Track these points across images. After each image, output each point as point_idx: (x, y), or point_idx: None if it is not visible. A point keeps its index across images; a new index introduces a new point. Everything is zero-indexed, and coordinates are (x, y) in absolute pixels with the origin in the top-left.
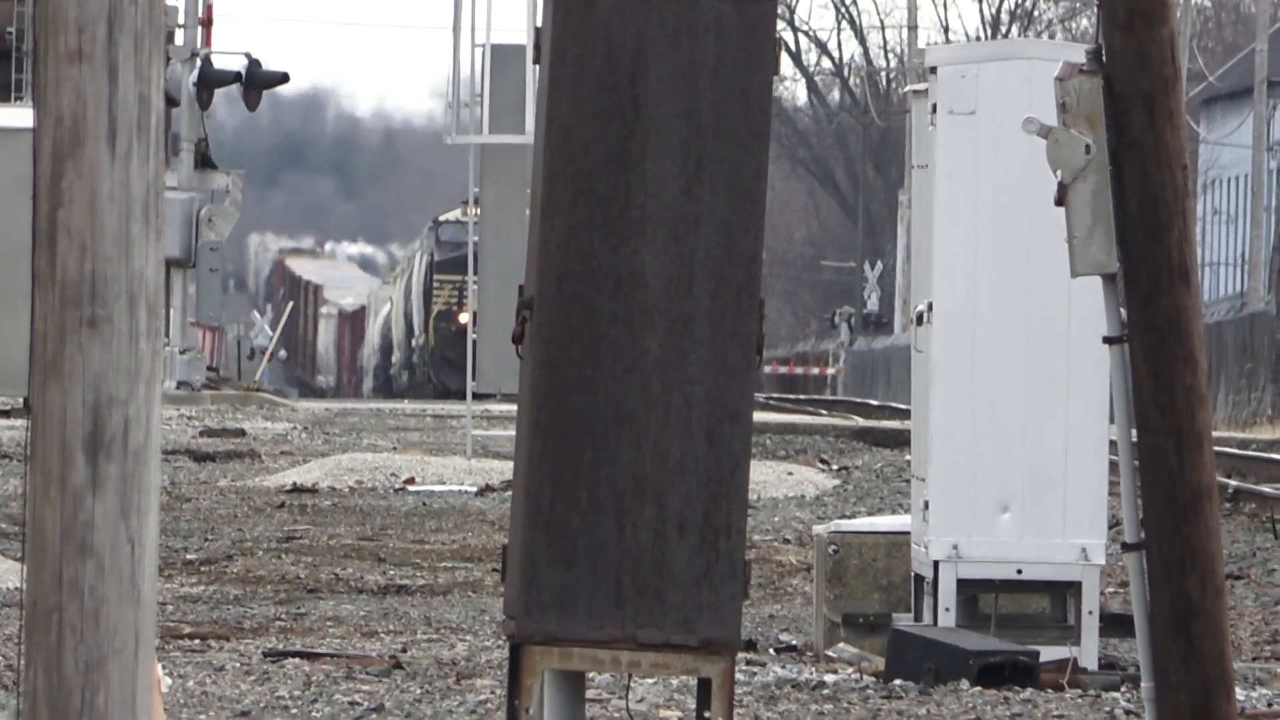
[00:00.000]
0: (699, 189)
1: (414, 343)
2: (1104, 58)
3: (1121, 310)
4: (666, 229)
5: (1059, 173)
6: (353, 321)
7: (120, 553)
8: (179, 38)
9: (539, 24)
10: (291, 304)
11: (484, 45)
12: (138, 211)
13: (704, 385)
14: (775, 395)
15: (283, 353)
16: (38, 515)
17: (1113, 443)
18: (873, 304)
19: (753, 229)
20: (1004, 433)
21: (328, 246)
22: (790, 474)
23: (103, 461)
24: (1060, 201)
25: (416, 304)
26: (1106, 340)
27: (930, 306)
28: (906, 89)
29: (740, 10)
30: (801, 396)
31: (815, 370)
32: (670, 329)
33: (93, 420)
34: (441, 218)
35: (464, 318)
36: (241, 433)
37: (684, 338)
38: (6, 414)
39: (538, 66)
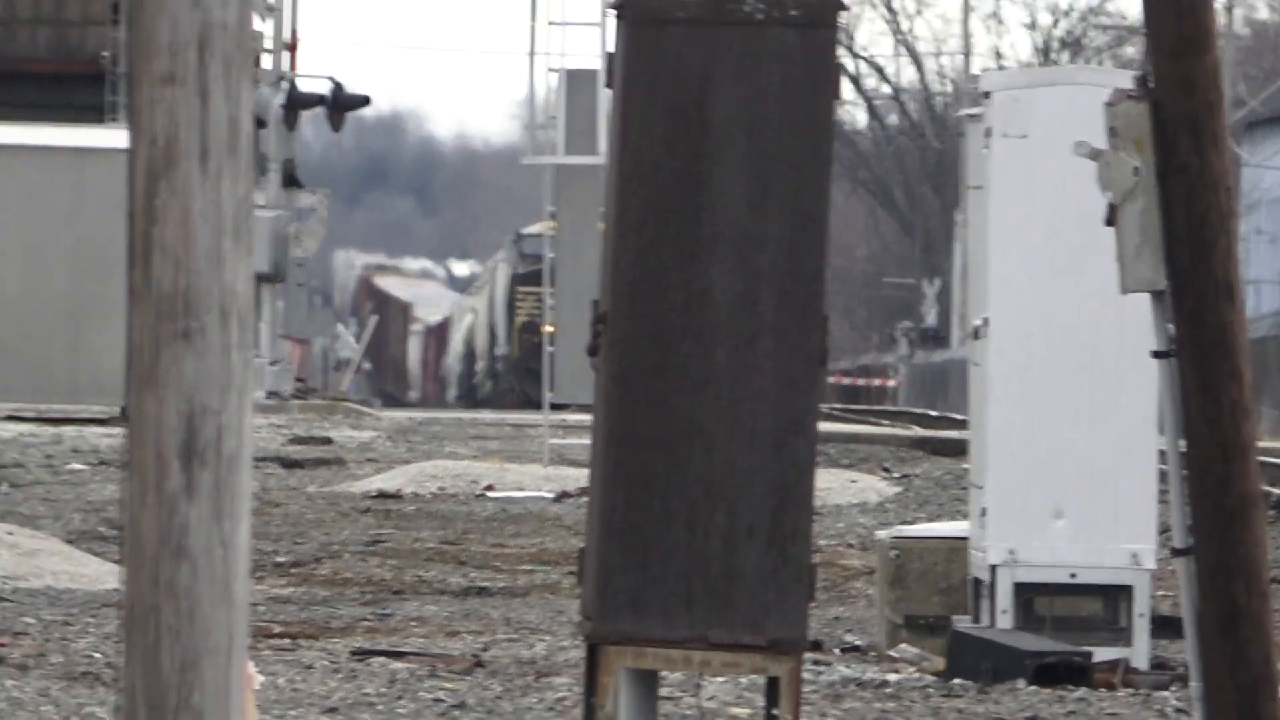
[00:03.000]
0: (765, 209)
1: (497, 351)
2: (1151, 84)
3: (1169, 326)
4: (733, 247)
5: (1108, 194)
6: (437, 333)
7: (214, 556)
8: (266, 62)
9: (611, 50)
10: (377, 318)
11: (559, 70)
12: (229, 228)
13: (770, 397)
14: (838, 406)
15: (367, 364)
16: (135, 519)
17: (1162, 452)
18: (931, 319)
19: (816, 247)
20: (1057, 442)
21: (409, 262)
22: (853, 481)
23: (197, 468)
24: (1110, 221)
25: (500, 315)
26: (1155, 355)
27: (986, 321)
28: (962, 113)
29: (803, 37)
30: (864, 407)
31: (877, 382)
32: (737, 344)
33: (187, 429)
34: (524, 231)
35: (548, 329)
36: (329, 441)
37: (751, 352)
38: (104, 422)
39: (610, 91)
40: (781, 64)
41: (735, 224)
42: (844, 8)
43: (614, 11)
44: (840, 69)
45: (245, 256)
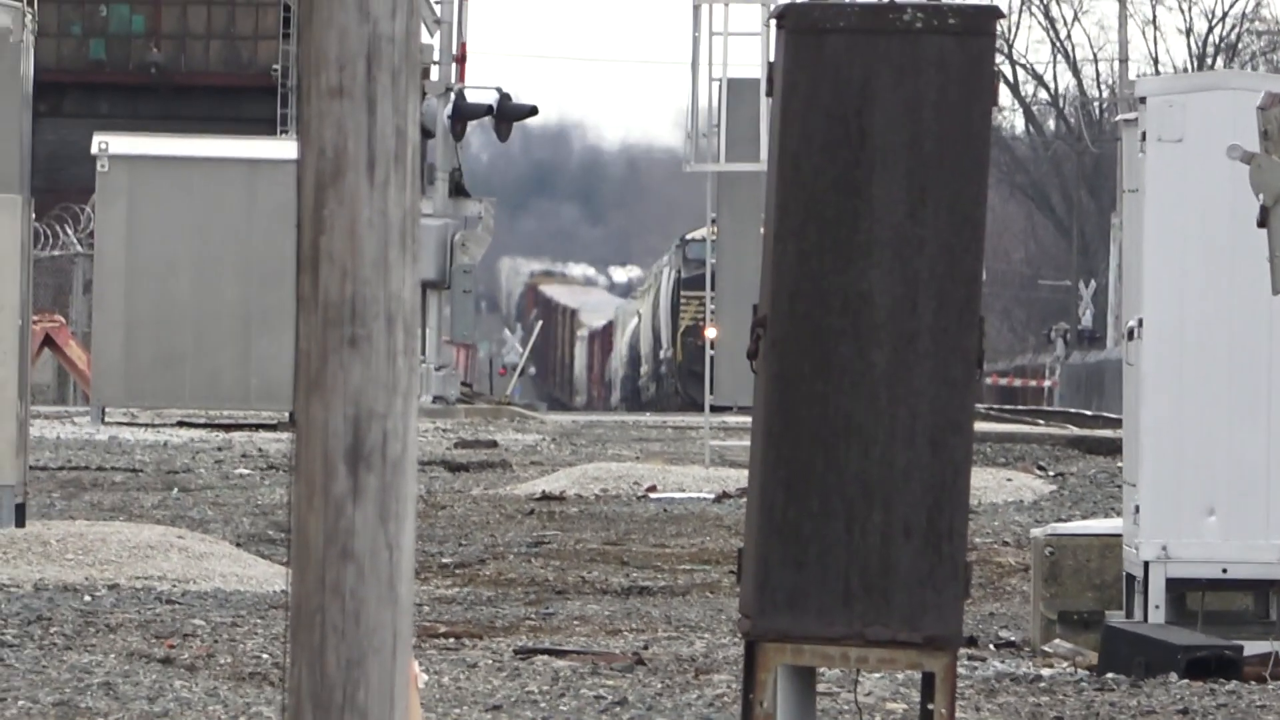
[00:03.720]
0: (922, 213)
1: (661, 355)
2: None
3: None
4: (892, 251)
5: (1261, 196)
6: (601, 338)
7: (379, 557)
8: (434, 73)
9: (772, 59)
10: (541, 323)
11: (720, 79)
12: (395, 237)
13: (927, 398)
14: (995, 406)
15: (532, 369)
16: (302, 522)
17: None
18: (1086, 320)
19: (973, 250)
20: (1209, 440)
21: (572, 269)
22: (1009, 480)
23: (363, 472)
24: (1262, 223)
25: (664, 318)
26: None
27: (1140, 323)
28: (1118, 118)
29: (961, 45)
30: (1020, 407)
31: (1033, 383)
32: (896, 345)
33: (353, 433)
34: (688, 236)
35: (711, 332)
36: (494, 444)
37: (909, 353)
38: (273, 428)
39: (770, 99)
40: (940, 71)
41: (893, 228)
42: (1001, 15)
43: (775, 20)
44: (997, 76)
45: (411, 264)
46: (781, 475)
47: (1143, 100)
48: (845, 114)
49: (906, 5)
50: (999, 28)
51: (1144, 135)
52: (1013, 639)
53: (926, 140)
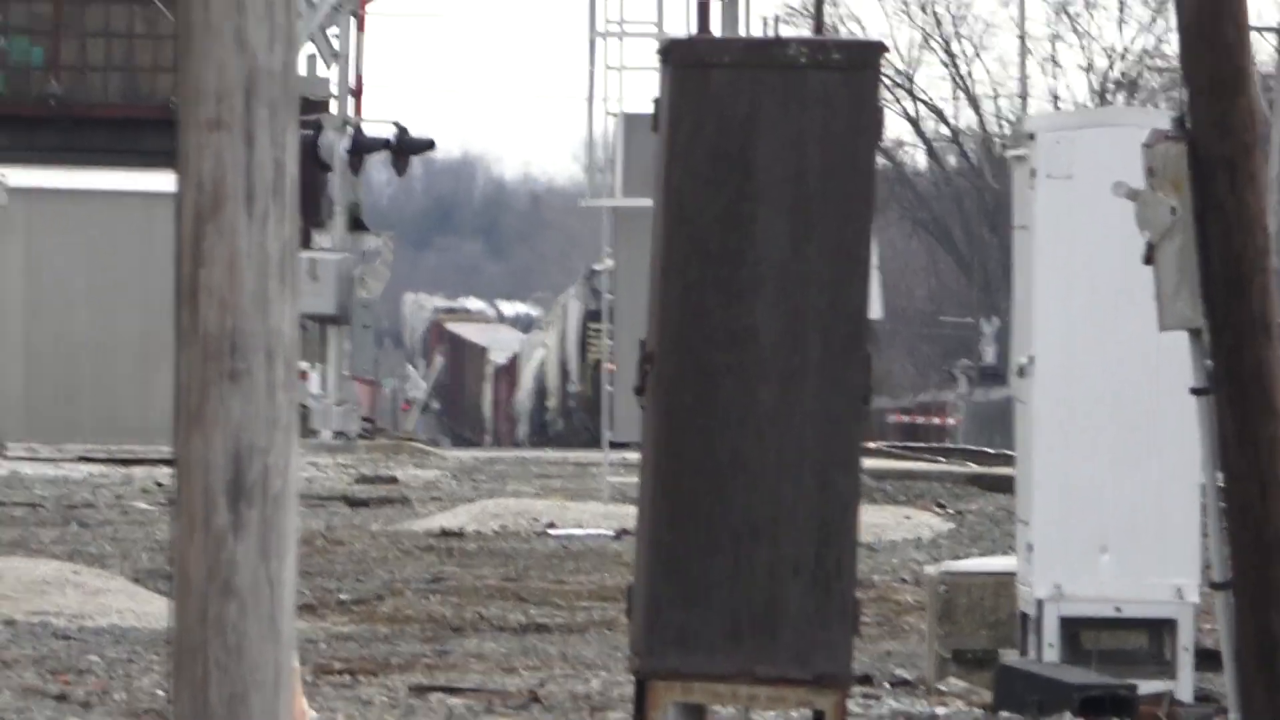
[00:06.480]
0: (807, 248)
1: (569, 389)
2: (1188, 125)
3: (1208, 363)
4: (777, 286)
5: (1146, 233)
6: (507, 372)
7: (261, 593)
8: (333, 106)
9: (657, 94)
10: (441, 360)
11: (618, 113)
12: (274, 270)
13: (814, 434)
14: (897, 444)
15: (435, 404)
16: (183, 557)
17: (1203, 487)
18: (989, 357)
19: (858, 286)
20: (1101, 478)
21: (477, 305)
22: (908, 518)
23: (244, 507)
24: (1149, 260)
25: (572, 351)
26: (1194, 391)
27: (1031, 359)
28: (1008, 154)
29: (846, 80)
30: (921, 445)
31: (935, 420)
32: (781, 381)
33: (234, 468)
34: (596, 267)
35: (610, 366)
36: (394, 480)
37: (795, 389)
38: (173, 463)
39: (656, 134)
40: (824, 107)
41: (778, 264)
42: (885, 50)
43: (660, 55)
44: (881, 111)
45: (291, 298)
46: (668, 511)
47: (1032, 136)
48: (729, 149)
49: (791, 40)
50: (887, 62)
51: (1033, 171)
52: (908, 677)
53: (811, 175)
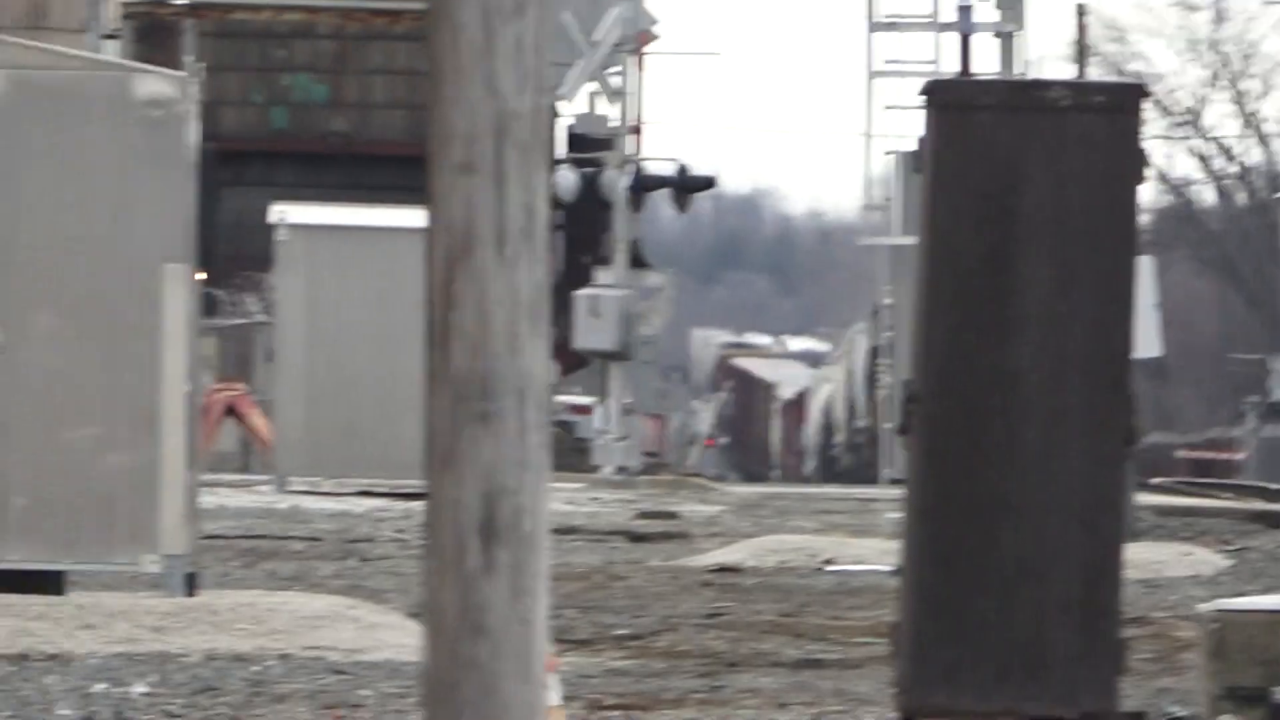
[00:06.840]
0: (1071, 290)
1: (856, 424)
2: None
3: None
4: (1041, 328)
5: None
6: (795, 407)
7: (512, 633)
8: (615, 145)
9: (921, 135)
10: (725, 395)
11: (894, 152)
12: (525, 313)
13: (1079, 475)
14: (1184, 480)
15: (723, 439)
16: (435, 597)
17: None
18: (1278, 394)
19: (1122, 327)
20: None
21: (764, 340)
22: (1187, 554)
23: (495, 548)
24: None
25: (859, 387)
26: None
27: None
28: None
29: (1109, 122)
30: (1209, 480)
31: (1224, 455)
32: (1046, 422)
33: (485, 509)
34: (885, 303)
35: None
36: (674, 515)
37: (1059, 430)
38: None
39: (920, 174)
40: (1086, 148)
41: (1042, 304)
42: (1147, 94)
43: (924, 96)
44: (1144, 153)
45: (542, 340)
46: (934, 551)
47: None
48: (994, 191)
49: (1053, 82)
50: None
51: None
52: (1182, 714)
53: (1074, 217)
